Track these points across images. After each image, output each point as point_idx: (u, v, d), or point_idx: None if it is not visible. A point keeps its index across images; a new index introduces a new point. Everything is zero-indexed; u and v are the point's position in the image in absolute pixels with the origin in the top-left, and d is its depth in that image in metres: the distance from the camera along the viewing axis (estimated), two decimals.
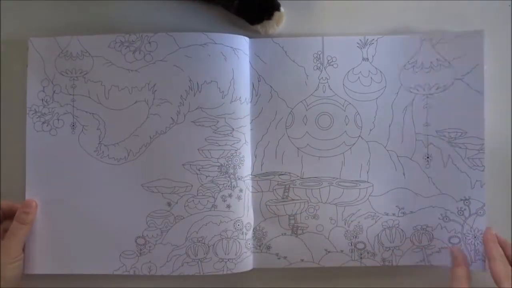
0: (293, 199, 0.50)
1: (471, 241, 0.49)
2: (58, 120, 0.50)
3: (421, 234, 0.50)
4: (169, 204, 0.49)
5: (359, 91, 0.50)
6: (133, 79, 0.49)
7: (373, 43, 0.50)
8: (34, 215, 0.49)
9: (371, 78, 0.50)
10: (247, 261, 0.49)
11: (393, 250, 0.50)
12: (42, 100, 0.50)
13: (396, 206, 0.50)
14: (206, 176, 0.49)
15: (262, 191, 0.50)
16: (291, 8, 0.51)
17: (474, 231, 0.49)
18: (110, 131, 0.49)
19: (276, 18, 0.50)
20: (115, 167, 0.49)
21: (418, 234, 0.50)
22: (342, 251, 0.49)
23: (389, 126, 0.50)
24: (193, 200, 0.49)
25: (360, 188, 0.50)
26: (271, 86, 0.50)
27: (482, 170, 0.49)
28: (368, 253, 0.50)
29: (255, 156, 0.50)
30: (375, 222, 0.50)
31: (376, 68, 0.50)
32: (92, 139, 0.49)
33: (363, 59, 0.50)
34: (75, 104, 0.50)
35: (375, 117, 0.50)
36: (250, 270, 0.49)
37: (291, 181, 0.50)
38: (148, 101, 0.49)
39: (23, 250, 0.48)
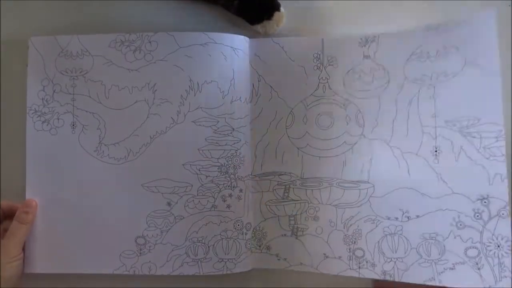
0: (293, 200, 0.49)
1: (494, 252, 0.41)
2: (58, 119, 0.50)
3: (429, 245, 0.44)
4: (169, 204, 0.49)
5: (361, 88, 0.49)
6: (133, 79, 0.49)
7: (374, 40, 0.49)
8: (34, 215, 0.48)
9: (373, 74, 0.48)
10: (247, 261, 0.49)
11: (395, 262, 0.45)
12: (42, 99, 0.50)
13: (399, 209, 0.45)
14: (206, 176, 0.49)
15: (262, 191, 0.50)
16: (291, 8, 0.51)
17: (497, 238, 0.42)
18: (110, 130, 0.49)
19: (276, 18, 0.50)
20: (115, 166, 0.49)
21: (427, 244, 0.44)
22: (340, 257, 0.47)
23: (393, 122, 0.47)
24: (193, 200, 0.49)
25: (360, 189, 0.47)
26: (271, 86, 0.50)
27: (503, 161, 0.42)
28: (367, 262, 0.46)
29: (255, 156, 0.50)
30: (376, 226, 0.46)
31: (378, 64, 0.48)
32: (92, 139, 0.49)
33: (364, 56, 0.49)
34: (75, 104, 0.50)
35: (378, 114, 0.48)
36: (250, 270, 0.49)
37: (291, 181, 0.49)
38: (148, 101, 0.49)
39: (23, 249, 0.48)
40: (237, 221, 0.49)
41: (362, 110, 0.48)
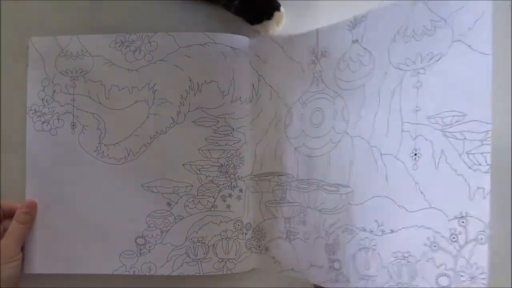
0: (289, 202, 0.48)
1: (468, 285, 0.35)
2: (58, 119, 0.50)
3: (401, 266, 0.38)
4: (169, 204, 0.49)
5: (347, 79, 0.44)
6: (133, 79, 0.49)
7: (362, 21, 0.43)
8: (34, 215, 0.49)
9: (360, 61, 0.43)
10: (247, 261, 0.49)
11: (367, 281, 0.40)
12: (42, 99, 0.50)
13: (375, 220, 0.40)
14: (206, 176, 0.49)
15: (262, 192, 0.50)
16: (291, 8, 0.51)
17: (472, 268, 0.35)
18: (110, 131, 0.49)
19: (276, 18, 0.50)
20: (115, 167, 0.49)
21: (398, 264, 0.38)
22: (321, 266, 0.44)
23: (375, 116, 0.41)
24: (193, 200, 0.49)
25: (340, 194, 0.43)
26: (271, 86, 0.50)
27: (486, 171, 0.35)
28: (343, 276, 0.42)
29: (255, 156, 0.50)
30: (352, 237, 0.42)
31: (364, 48, 0.43)
32: (92, 139, 0.49)
33: (353, 41, 0.43)
34: (75, 104, 0.50)
35: (361, 107, 0.42)
36: (250, 270, 0.49)
37: (288, 182, 0.48)
38: (148, 101, 0.49)
39: (23, 250, 0.48)
40: (237, 221, 0.49)
41: (348, 103, 0.44)
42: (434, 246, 0.37)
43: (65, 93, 0.50)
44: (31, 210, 0.48)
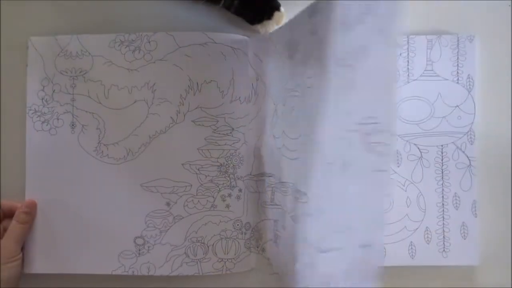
0: (276, 204, 0.47)
1: None
2: (58, 119, 0.50)
3: None
4: (168, 204, 0.49)
5: (307, 75, 0.38)
6: (132, 79, 0.49)
7: (318, 10, 0.36)
8: (34, 215, 0.49)
9: (315, 56, 0.36)
10: (247, 261, 0.49)
11: None
12: (42, 99, 0.50)
13: (316, 236, 0.36)
14: (206, 176, 0.49)
15: (259, 192, 0.50)
16: (291, 8, 0.51)
17: None
18: (110, 130, 0.49)
19: (276, 18, 0.50)
20: (114, 166, 0.49)
21: None
22: (292, 276, 0.39)
23: (325, 120, 0.35)
24: (192, 200, 0.49)
25: (302, 202, 0.37)
26: (265, 85, 0.50)
27: (386, 195, 0.32)
28: None
29: (253, 156, 0.50)
30: (302, 252, 0.37)
31: (318, 41, 0.35)
32: (91, 139, 0.49)
33: (312, 33, 0.36)
34: (75, 104, 0.50)
35: (316, 108, 0.35)
36: (250, 270, 0.49)
37: (275, 184, 0.47)
38: (147, 101, 0.49)
39: (22, 249, 0.48)
40: (236, 220, 0.49)
41: (309, 103, 0.37)
42: (348, 275, 0.33)
43: (65, 93, 0.50)
44: (31, 210, 0.48)
